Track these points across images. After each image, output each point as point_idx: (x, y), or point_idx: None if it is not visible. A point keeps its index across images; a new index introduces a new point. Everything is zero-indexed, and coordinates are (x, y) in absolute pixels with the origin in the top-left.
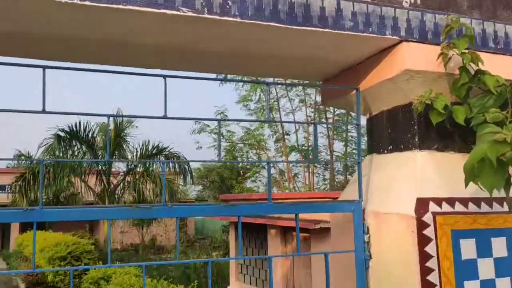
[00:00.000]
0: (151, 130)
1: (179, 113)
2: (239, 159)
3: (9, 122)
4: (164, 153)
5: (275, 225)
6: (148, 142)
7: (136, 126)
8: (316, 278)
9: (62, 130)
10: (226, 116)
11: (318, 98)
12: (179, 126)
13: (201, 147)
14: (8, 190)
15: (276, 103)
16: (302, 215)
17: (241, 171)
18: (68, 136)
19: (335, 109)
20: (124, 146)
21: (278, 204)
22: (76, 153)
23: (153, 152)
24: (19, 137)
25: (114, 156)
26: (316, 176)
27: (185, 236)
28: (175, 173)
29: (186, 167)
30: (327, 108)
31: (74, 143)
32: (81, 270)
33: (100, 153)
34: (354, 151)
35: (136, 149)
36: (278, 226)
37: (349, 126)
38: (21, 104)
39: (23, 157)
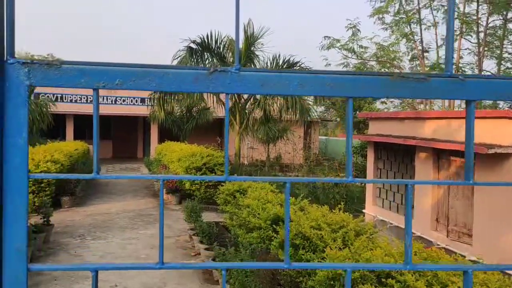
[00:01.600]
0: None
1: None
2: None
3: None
4: (295, 68)
5: (427, 147)
6: (279, 56)
7: (262, 44)
8: (479, 210)
9: (194, 42)
10: (358, 30)
11: (468, 9)
12: (307, 40)
13: (329, 64)
14: (147, 103)
15: (416, 15)
16: (462, 137)
17: None
18: (199, 48)
19: (489, 21)
20: (254, 60)
21: None
22: (207, 66)
23: (284, 66)
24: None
25: None
26: None
27: (313, 156)
28: None
29: None
30: (479, 21)
31: (205, 56)
32: (216, 182)
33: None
34: (508, 69)
35: (267, 63)
36: (430, 149)
37: (505, 42)
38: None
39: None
